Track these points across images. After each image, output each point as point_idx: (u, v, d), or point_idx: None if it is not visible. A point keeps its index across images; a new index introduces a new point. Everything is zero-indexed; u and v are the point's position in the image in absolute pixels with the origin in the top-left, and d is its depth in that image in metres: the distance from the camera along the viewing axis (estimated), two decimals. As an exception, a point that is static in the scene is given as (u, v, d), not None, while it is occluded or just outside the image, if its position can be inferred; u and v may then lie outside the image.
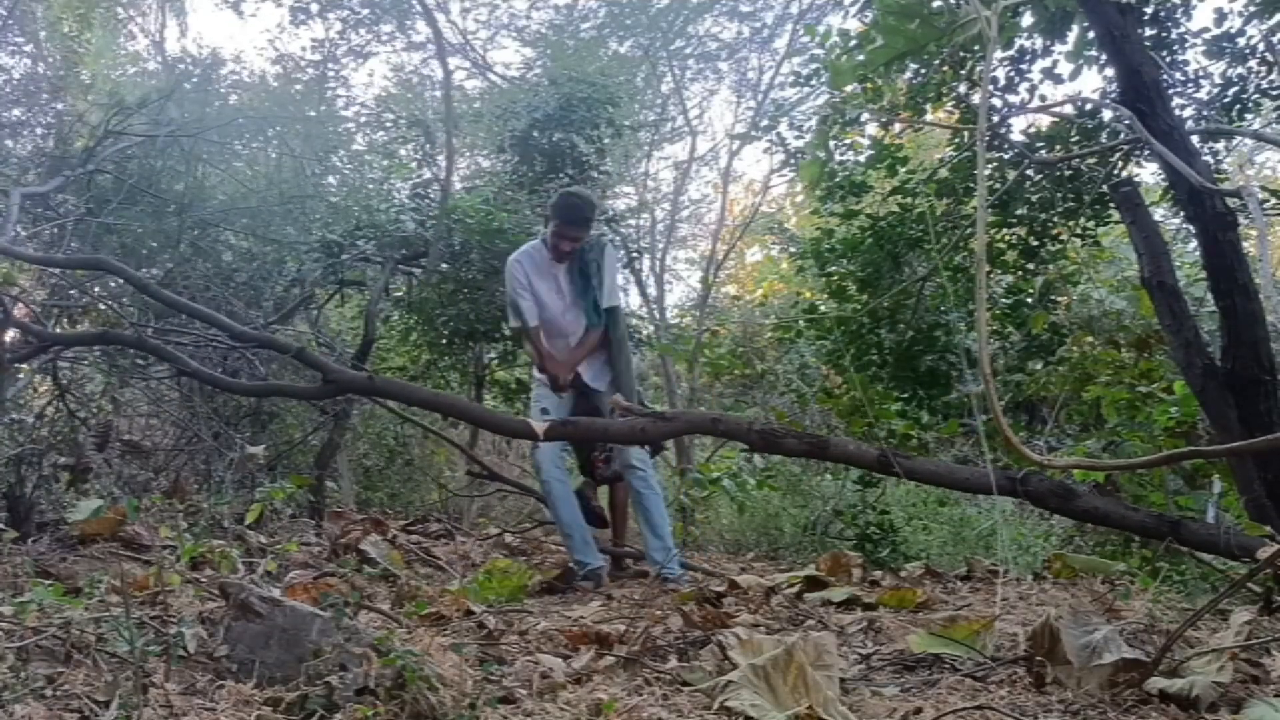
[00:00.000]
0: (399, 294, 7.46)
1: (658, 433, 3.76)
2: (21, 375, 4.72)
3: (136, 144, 5.85)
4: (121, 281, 5.22)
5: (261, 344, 4.89)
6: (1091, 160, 5.05)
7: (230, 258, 6.37)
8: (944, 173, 5.52)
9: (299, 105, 8.19)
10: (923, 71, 5.23)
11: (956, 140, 5.73)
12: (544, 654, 2.69)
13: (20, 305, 4.25)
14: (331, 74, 9.56)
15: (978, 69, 5.09)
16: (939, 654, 2.57)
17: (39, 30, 7.31)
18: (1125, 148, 4.69)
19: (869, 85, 5.15)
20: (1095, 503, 3.16)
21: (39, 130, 6.42)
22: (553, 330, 4.40)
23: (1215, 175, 4.49)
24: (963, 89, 5.34)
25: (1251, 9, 4.58)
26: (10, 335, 4.14)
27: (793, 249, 8.71)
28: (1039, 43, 4.97)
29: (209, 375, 4.58)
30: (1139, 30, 4.27)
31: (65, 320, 5.34)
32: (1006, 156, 5.38)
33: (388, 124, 8.69)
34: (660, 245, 11.84)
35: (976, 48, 4.81)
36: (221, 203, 6.32)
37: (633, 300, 9.06)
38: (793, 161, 6.34)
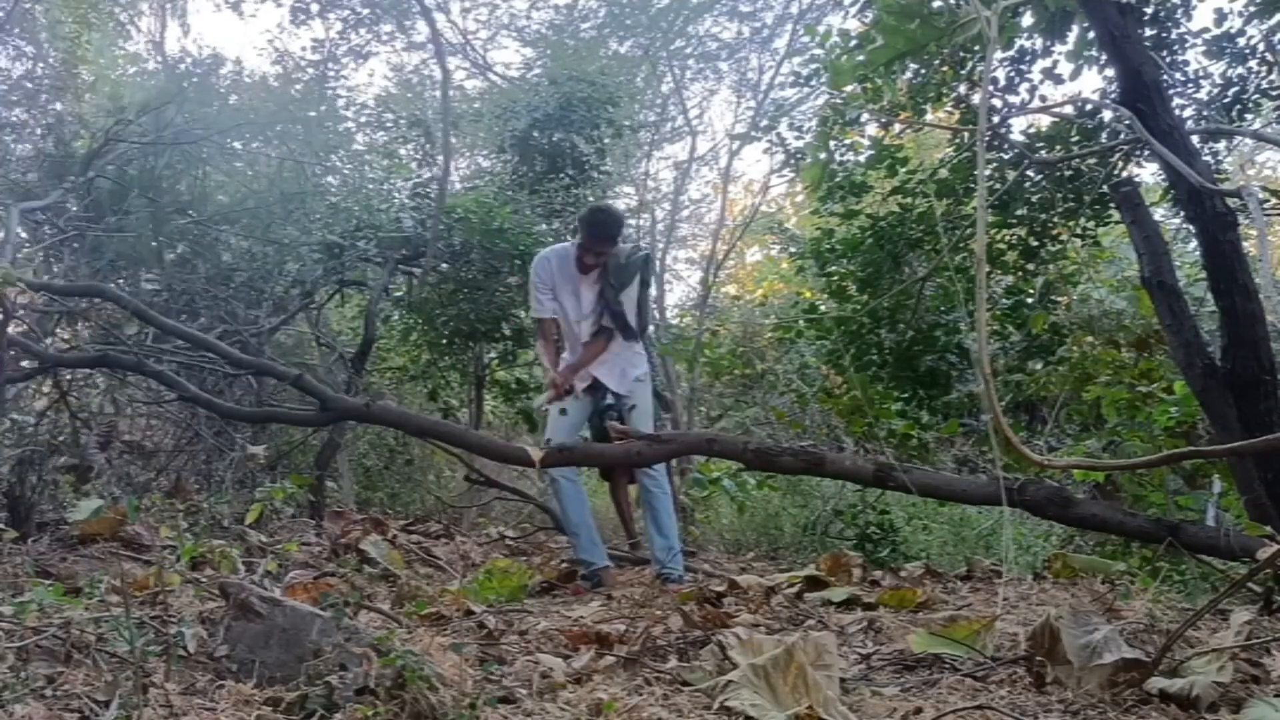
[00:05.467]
0: (399, 294, 7.46)
1: (653, 455, 3.82)
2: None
3: (137, 147, 5.86)
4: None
5: (260, 371, 4.97)
6: (1091, 160, 5.05)
7: (230, 258, 6.38)
8: (944, 173, 5.53)
9: (299, 105, 8.19)
10: (923, 71, 5.24)
11: (956, 140, 5.73)
12: (544, 654, 2.68)
13: (18, 321, 4.27)
14: (331, 74, 9.57)
15: (978, 69, 5.10)
16: (939, 654, 2.57)
17: (39, 31, 7.31)
18: (1125, 148, 4.69)
19: (869, 85, 5.15)
20: (1093, 509, 3.17)
21: (39, 131, 6.42)
22: (566, 335, 4.39)
23: (1215, 175, 4.49)
24: (963, 89, 5.34)
25: (1251, 9, 4.58)
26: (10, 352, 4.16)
27: (793, 249, 8.71)
28: (1039, 43, 4.98)
29: (208, 400, 4.73)
30: (1139, 30, 4.27)
31: (65, 323, 5.34)
32: (1006, 156, 5.38)
33: (388, 124, 8.69)
34: (660, 245, 11.83)
35: (976, 48, 4.82)
36: (222, 204, 6.33)
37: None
38: (793, 162, 6.35)
